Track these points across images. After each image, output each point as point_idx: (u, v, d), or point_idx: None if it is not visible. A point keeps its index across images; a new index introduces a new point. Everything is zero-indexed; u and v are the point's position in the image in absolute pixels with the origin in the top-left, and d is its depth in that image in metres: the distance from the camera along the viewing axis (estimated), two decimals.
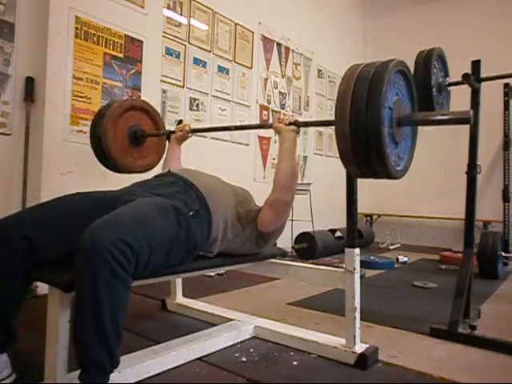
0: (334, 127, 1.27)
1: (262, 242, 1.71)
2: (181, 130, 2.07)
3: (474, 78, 2.06)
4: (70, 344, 1.15)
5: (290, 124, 1.65)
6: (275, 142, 4.52)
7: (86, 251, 1.07)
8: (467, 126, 2.14)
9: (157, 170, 2.26)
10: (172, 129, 2.20)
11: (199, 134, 3.28)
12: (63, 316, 1.17)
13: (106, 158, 2.12)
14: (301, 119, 1.75)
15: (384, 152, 1.20)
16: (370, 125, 1.18)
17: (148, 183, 1.60)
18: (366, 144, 1.20)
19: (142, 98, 3.01)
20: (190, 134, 2.08)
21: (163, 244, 1.27)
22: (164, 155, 2.23)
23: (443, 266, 3.87)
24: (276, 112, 4.54)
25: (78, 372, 1.08)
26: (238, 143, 4.07)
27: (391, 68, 1.24)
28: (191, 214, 1.42)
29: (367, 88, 1.21)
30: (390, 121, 1.26)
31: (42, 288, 2.22)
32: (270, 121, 4.48)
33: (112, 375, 1.12)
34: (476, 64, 2.15)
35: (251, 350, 1.67)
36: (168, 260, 1.32)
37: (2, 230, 1.24)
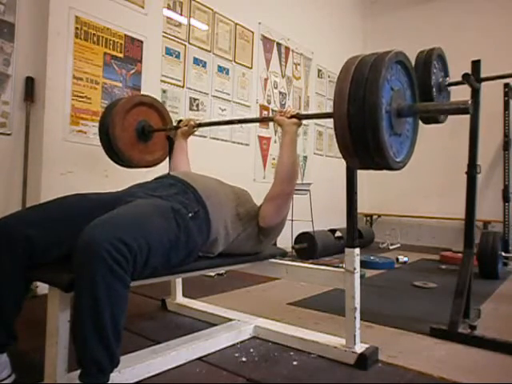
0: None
1: (263, 238, 1.72)
2: (186, 125, 2.08)
3: (474, 77, 2.06)
4: (70, 344, 1.15)
5: (292, 117, 1.67)
6: (275, 142, 4.52)
7: (84, 250, 1.07)
8: (467, 126, 2.14)
9: (163, 165, 2.29)
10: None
11: (199, 134, 3.29)
12: (63, 316, 1.17)
13: (113, 150, 2.14)
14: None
15: (381, 136, 1.18)
16: (367, 108, 1.17)
17: (147, 185, 1.60)
18: (363, 129, 1.18)
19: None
20: (195, 128, 2.09)
21: (162, 245, 1.27)
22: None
23: (443, 266, 3.87)
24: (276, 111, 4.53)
25: (78, 372, 1.08)
26: (238, 143, 4.07)
27: (391, 56, 1.24)
28: (190, 215, 1.42)
29: (366, 74, 1.20)
30: (388, 105, 1.24)
31: (42, 288, 2.22)
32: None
33: (112, 375, 1.12)
34: (476, 64, 2.15)
35: (251, 350, 1.67)
36: (168, 261, 1.32)
37: (2, 229, 1.24)
